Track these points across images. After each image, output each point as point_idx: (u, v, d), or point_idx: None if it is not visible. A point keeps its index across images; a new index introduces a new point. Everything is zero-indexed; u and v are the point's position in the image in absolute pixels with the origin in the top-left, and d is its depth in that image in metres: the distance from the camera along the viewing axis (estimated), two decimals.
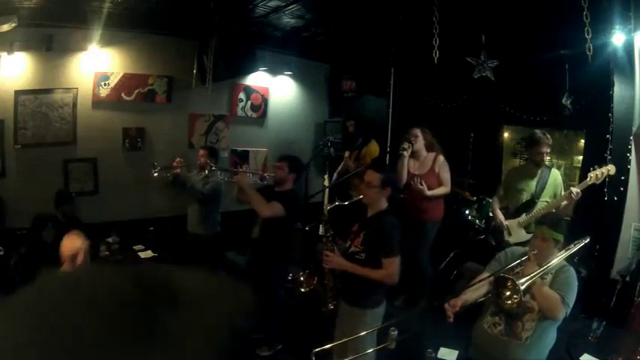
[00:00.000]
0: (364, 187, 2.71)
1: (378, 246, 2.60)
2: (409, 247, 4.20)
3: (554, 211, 3.47)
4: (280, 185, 3.58)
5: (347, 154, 4.94)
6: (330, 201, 3.18)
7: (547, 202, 3.65)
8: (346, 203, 2.82)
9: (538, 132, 3.69)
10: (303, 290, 2.86)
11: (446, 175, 4.04)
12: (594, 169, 3.27)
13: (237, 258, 5.17)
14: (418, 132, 4.10)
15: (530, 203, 3.72)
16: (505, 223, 3.80)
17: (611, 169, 3.27)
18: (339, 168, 5.02)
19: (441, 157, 4.08)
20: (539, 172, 3.72)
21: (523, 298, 2.27)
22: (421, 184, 3.93)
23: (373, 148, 4.86)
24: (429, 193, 3.94)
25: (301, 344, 3.65)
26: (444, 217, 4.31)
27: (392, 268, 2.57)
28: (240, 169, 3.77)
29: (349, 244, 2.78)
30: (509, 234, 3.76)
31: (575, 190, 3.31)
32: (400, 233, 2.70)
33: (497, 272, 2.37)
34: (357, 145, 4.88)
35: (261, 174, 3.93)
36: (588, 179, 3.27)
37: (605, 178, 3.33)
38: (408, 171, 4.08)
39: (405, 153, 4.04)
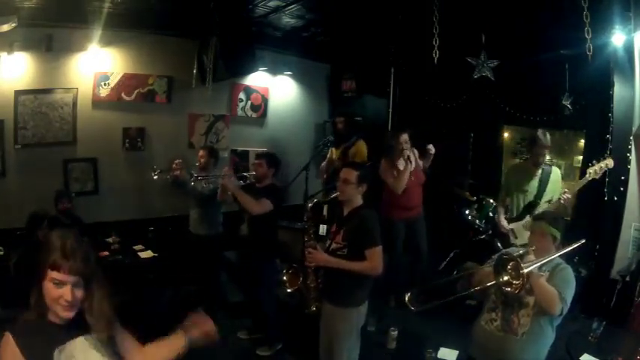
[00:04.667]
0: (341, 184, 2.73)
1: (360, 239, 2.63)
2: (400, 247, 4.26)
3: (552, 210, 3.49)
4: (261, 181, 3.72)
5: (334, 152, 4.89)
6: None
7: (548, 202, 3.66)
8: (326, 200, 3.00)
9: (540, 132, 3.71)
10: (288, 290, 2.85)
11: (422, 162, 4.23)
12: (593, 165, 3.32)
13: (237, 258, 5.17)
14: (407, 137, 4.07)
15: (534, 204, 3.72)
16: (510, 227, 3.81)
17: (609, 162, 3.32)
18: (324, 165, 4.93)
19: (415, 151, 4.20)
20: (540, 171, 3.73)
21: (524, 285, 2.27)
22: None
23: (362, 148, 4.80)
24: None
25: (301, 344, 3.66)
26: (443, 218, 4.34)
27: (376, 258, 2.61)
28: (223, 173, 3.79)
29: (329, 243, 2.79)
30: (515, 237, 3.76)
31: (564, 196, 3.39)
32: (379, 225, 2.75)
33: (501, 253, 2.37)
34: (346, 145, 4.81)
35: (241, 175, 3.97)
36: (587, 175, 3.32)
37: (605, 172, 3.40)
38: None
39: (410, 161, 4.05)
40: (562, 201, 3.38)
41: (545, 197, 3.70)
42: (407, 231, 4.26)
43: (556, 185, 3.72)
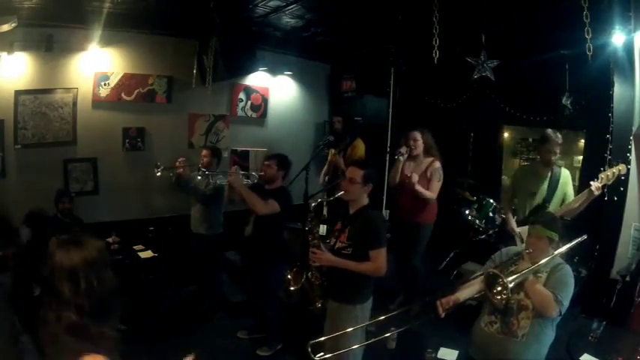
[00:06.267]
0: (346, 184, 2.72)
1: (365, 239, 2.63)
2: (403, 249, 4.22)
3: (577, 205, 3.39)
4: (270, 183, 3.68)
5: (332, 152, 4.93)
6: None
7: (559, 204, 3.56)
8: (330, 199, 2.99)
9: (550, 130, 3.65)
10: (292, 289, 2.86)
11: (435, 183, 4.01)
12: (605, 170, 3.18)
13: (236, 258, 5.18)
14: (418, 136, 4.05)
15: (542, 207, 3.62)
16: (517, 230, 3.70)
17: (622, 168, 3.17)
18: (324, 169, 5.01)
19: (437, 164, 4.04)
20: (549, 173, 3.64)
21: (517, 296, 2.30)
22: (412, 178, 3.91)
23: (359, 146, 4.84)
24: (417, 187, 3.89)
25: (301, 344, 3.66)
26: (443, 218, 4.30)
27: (380, 259, 2.61)
28: (231, 171, 3.78)
29: (334, 242, 2.79)
30: (522, 241, 3.58)
31: (595, 184, 3.15)
32: (384, 226, 2.76)
33: (488, 269, 2.38)
34: (344, 144, 4.86)
35: (248, 173, 3.95)
36: (599, 180, 3.15)
37: (618, 177, 3.22)
38: (403, 171, 4.09)
39: (400, 158, 4.03)
40: (593, 189, 3.15)
41: (555, 200, 3.60)
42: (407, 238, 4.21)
43: (565, 187, 3.62)
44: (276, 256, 3.68)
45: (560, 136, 3.58)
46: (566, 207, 3.47)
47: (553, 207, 3.59)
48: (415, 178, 3.90)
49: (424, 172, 4.05)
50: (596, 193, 3.18)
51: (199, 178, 4.09)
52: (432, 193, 4.00)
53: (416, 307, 4.07)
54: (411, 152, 4.05)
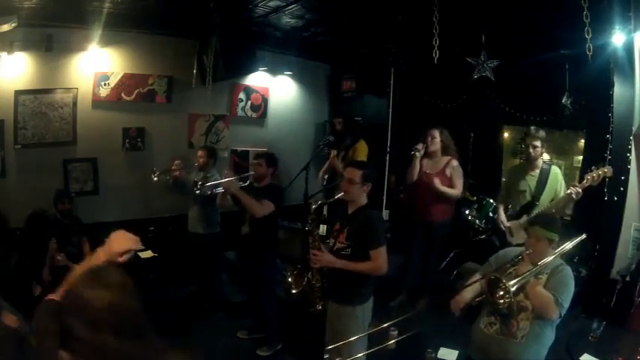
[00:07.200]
0: (345, 184, 2.73)
1: (365, 239, 2.62)
2: (417, 247, 4.23)
3: (553, 210, 3.46)
4: (260, 181, 3.74)
5: (333, 153, 4.94)
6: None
7: (549, 201, 3.62)
8: (330, 201, 3.03)
9: (532, 127, 3.72)
10: (293, 292, 2.85)
11: (458, 180, 4.04)
12: (591, 171, 3.25)
13: (235, 257, 5.18)
14: (436, 134, 4.07)
15: (531, 204, 3.71)
16: (507, 224, 3.82)
17: (607, 170, 3.24)
18: (325, 167, 5.01)
19: (455, 162, 4.06)
20: (539, 171, 3.71)
21: (516, 298, 2.28)
22: (435, 183, 3.94)
23: (362, 148, 4.83)
24: (441, 188, 3.92)
25: (301, 344, 3.66)
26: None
27: (380, 258, 2.60)
28: (224, 176, 3.78)
29: (333, 242, 2.79)
30: (511, 235, 3.77)
31: (574, 189, 3.25)
32: (383, 225, 2.78)
33: (489, 274, 2.37)
34: (346, 145, 4.86)
35: (243, 176, 3.97)
36: (585, 181, 3.23)
37: (604, 179, 3.31)
38: (421, 169, 4.09)
39: (417, 154, 4.04)
40: (574, 195, 3.25)
41: (545, 197, 3.67)
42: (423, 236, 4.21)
43: (557, 185, 3.68)
44: (271, 253, 3.74)
45: (542, 132, 3.64)
46: (553, 206, 3.52)
47: (543, 204, 3.65)
48: (438, 182, 3.94)
49: (442, 170, 4.07)
50: (576, 198, 3.26)
51: (197, 192, 4.03)
52: (457, 191, 4.05)
53: (423, 304, 4.10)
54: (427, 149, 4.06)
